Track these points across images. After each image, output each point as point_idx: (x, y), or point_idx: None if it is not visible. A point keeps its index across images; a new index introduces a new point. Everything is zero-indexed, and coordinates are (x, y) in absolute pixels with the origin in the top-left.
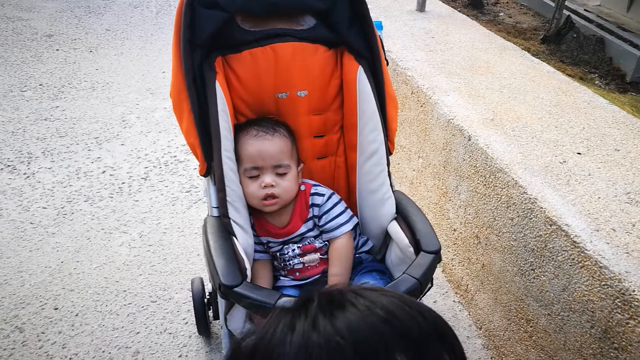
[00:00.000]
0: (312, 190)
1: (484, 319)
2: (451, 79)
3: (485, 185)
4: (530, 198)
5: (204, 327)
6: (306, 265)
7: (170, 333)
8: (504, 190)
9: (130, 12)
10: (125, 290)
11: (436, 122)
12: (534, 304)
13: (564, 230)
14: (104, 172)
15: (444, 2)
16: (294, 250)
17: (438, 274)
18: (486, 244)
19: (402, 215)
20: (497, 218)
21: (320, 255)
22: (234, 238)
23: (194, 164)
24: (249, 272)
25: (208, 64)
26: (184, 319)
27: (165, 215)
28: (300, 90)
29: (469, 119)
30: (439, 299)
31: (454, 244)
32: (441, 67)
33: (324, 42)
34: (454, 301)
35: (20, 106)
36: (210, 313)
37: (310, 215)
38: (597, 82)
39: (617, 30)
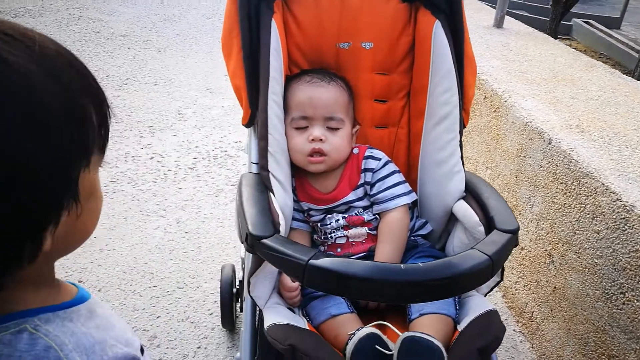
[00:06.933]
0: (367, 153)
1: (551, 352)
2: (530, 86)
3: (565, 193)
4: (625, 206)
5: (228, 319)
6: (350, 240)
7: (192, 322)
8: (590, 198)
9: (203, 21)
10: (152, 273)
11: (511, 126)
12: (620, 337)
13: None
14: (152, 157)
15: None
16: (337, 220)
17: (497, 298)
18: (561, 263)
19: (472, 193)
20: (577, 232)
21: (368, 230)
22: (271, 194)
23: (243, 159)
24: (282, 229)
25: (266, 3)
26: (209, 310)
27: (206, 205)
28: (365, 41)
29: (550, 123)
30: None
31: (520, 264)
32: (519, 75)
33: None
34: (514, 330)
35: None
36: (238, 305)
37: (362, 181)
38: None
39: None
